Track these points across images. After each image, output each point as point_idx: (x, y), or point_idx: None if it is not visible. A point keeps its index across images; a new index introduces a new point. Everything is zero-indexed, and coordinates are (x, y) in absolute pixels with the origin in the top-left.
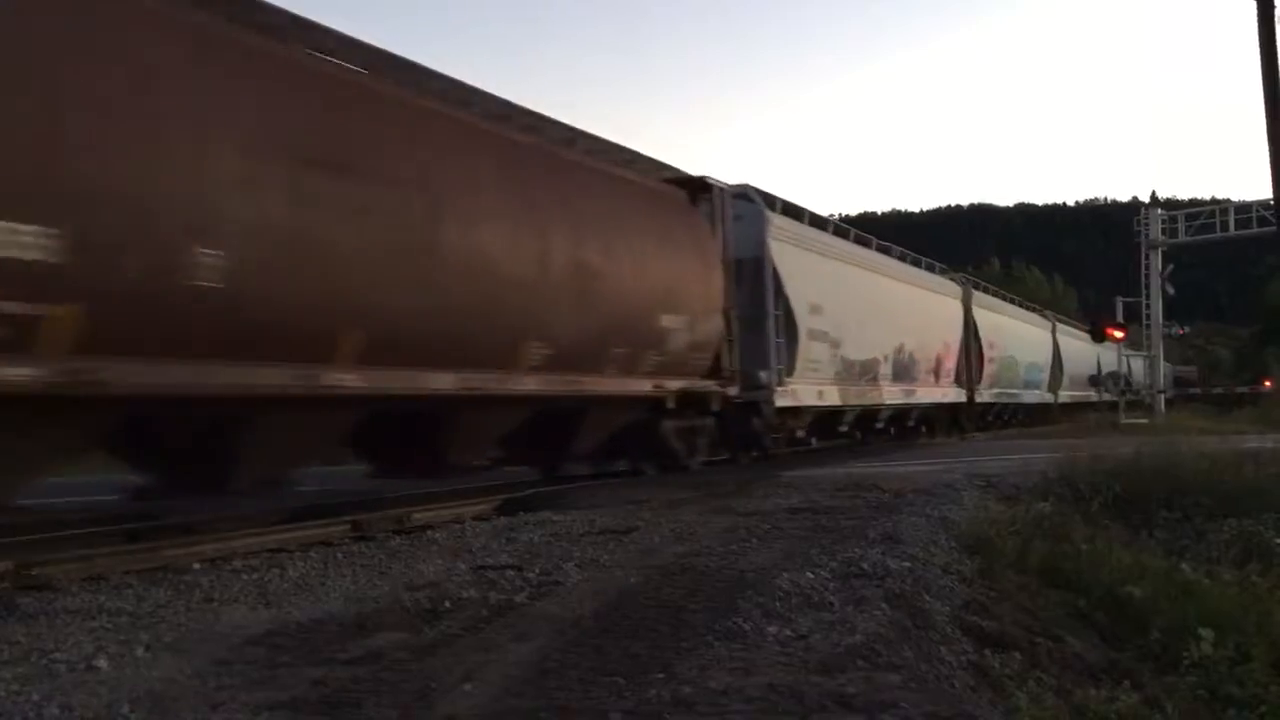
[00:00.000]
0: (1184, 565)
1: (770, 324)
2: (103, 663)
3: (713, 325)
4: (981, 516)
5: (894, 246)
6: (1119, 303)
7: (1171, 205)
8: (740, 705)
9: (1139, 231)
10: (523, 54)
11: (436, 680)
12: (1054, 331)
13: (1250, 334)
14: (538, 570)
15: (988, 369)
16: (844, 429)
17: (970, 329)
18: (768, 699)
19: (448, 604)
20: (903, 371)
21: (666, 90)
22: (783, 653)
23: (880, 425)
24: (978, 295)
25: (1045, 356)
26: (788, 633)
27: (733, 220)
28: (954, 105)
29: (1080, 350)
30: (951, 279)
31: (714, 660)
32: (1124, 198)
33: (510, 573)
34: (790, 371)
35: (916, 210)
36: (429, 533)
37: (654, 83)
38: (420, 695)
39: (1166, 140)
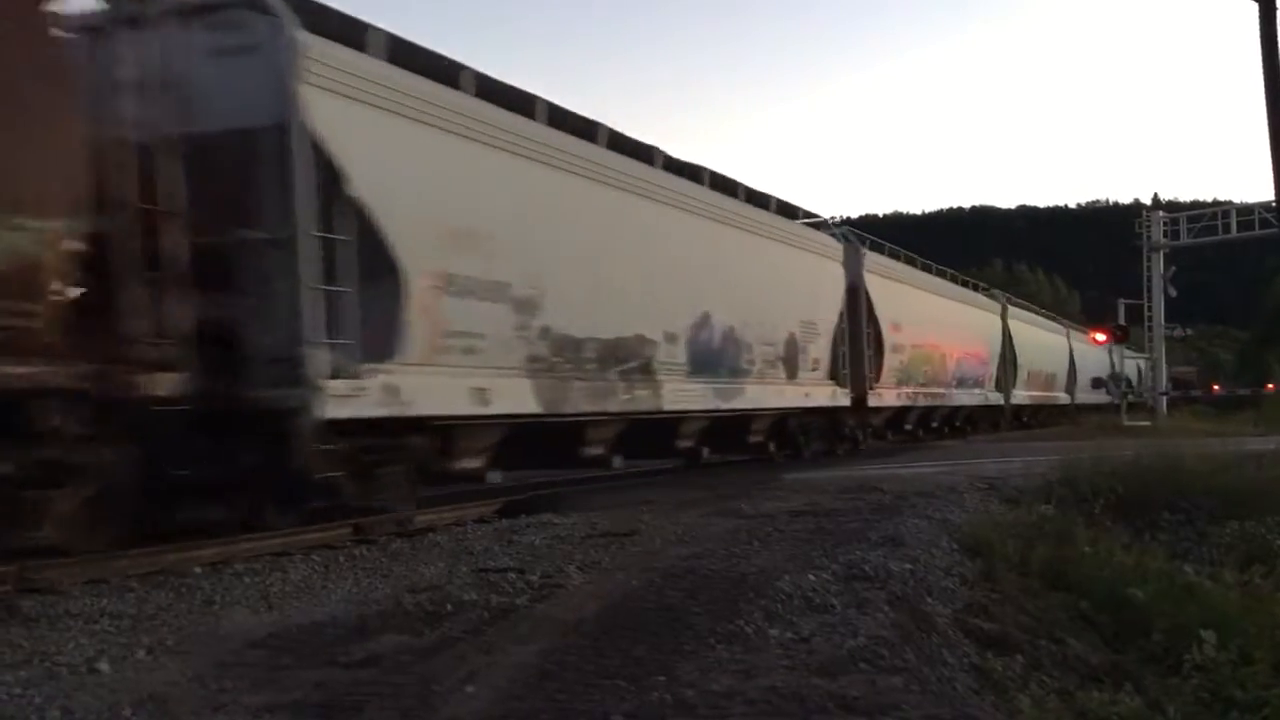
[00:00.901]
0: (1186, 567)
1: (304, 249)
2: (105, 666)
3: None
4: (983, 519)
5: (709, 169)
6: (1121, 305)
7: (1173, 207)
8: (742, 708)
9: (1141, 234)
10: (528, 50)
11: (438, 683)
12: (1004, 316)
13: (1252, 336)
14: (539, 573)
15: (891, 361)
16: (595, 452)
17: (861, 306)
18: (769, 701)
19: (449, 607)
20: (713, 360)
21: (669, 91)
22: (785, 655)
23: (688, 444)
24: (872, 259)
25: (990, 348)
26: (789, 635)
27: (196, 48)
28: (955, 107)
29: (1046, 342)
30: (831, 233)
31: (715, 663)
32: (1126, 200)
33: (512, 575)
34: (390, 349)
35: (918, 212)
36: (430, 535)
37: (657, 83)
38: (422, 698)
39: (1168, 142)
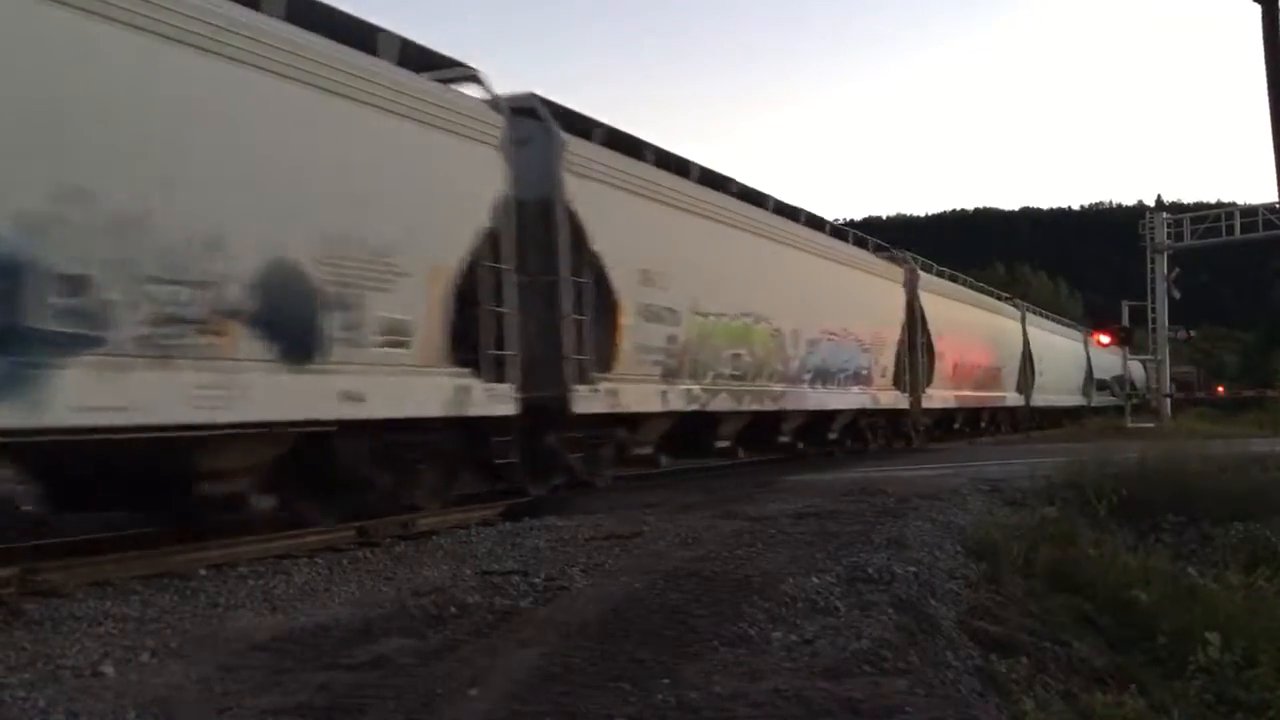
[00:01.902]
0: (1191, 569)
1: None
2: (108, 669)
3: None
4: (987, 521)
5: None
6: (1125, 307)
7: (1177, 209)
8: (746, 710)
9: (1144, 235)
10: (530, 48)
11: (442, 686)
12: (913, 288)
13: (1256, 337)
14: (543, 575)
15: (640, 336)
16: None
17: (557, 235)
18: (773, 704)
19: (453, 609)
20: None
21: (673, 93)
22: (788, 658)
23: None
24: (590, 155)
25: (881, 332)
26: (793, 638)
27: None
28: (958, 109)
29: (984, 327)
30: (487, 98)
31: (719, 665)
32: (1129, 201)
33: (515, 578)
34: None
35: (921, 214)
36: (434, 538)
37: (661, 84)
38: (425, 701)
39: (1172, 144)
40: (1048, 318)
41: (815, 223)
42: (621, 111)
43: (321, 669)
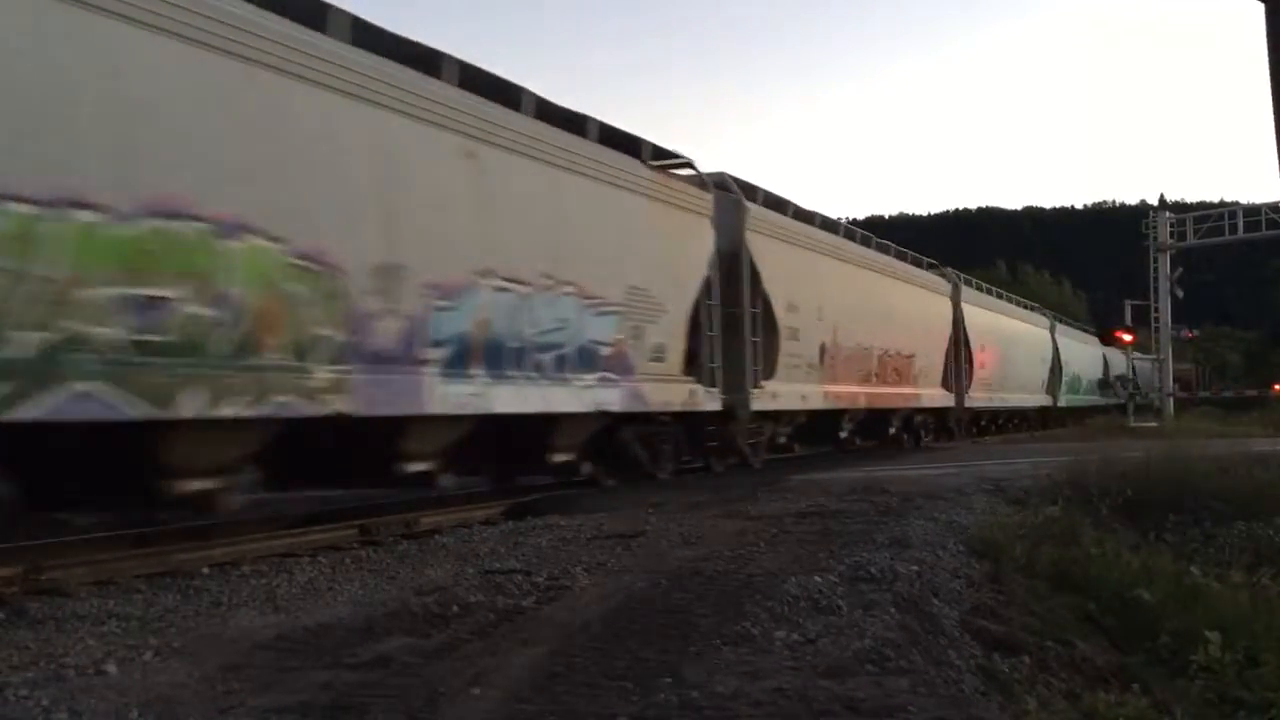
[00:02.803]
0: (1193, 569)
1: None
2: (111, 667)
3: None
4: (990, 520)
5: None
6: (1127, 306)
7: (1180, 208)
8: (748, 710)
9: (1147, 235)
10: (533, 47)
11: (444, 685)
12: (731, 226)
13: (1259, 336)
14: (545, 575)
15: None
16: None
17: None
18: (775, 703)
19: (456, 608)
20: None
21: (677, 92)
22: (791, 657)
23: None
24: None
25: (650, 290)
26: (796, 637)
27: None
28: (961, 109)
29: (891, 303)
30: None
31: (722, 665)
32: (1132, 200)
33: (518, 577)
34: None
35: (924, 214)
36: (437, 537)
37: (666, 84)
38: (428, 700)
39: (1175, 143)
40: (997, 296)
41: (491, 86)
42: (622, 110)
43: (324, 668)
